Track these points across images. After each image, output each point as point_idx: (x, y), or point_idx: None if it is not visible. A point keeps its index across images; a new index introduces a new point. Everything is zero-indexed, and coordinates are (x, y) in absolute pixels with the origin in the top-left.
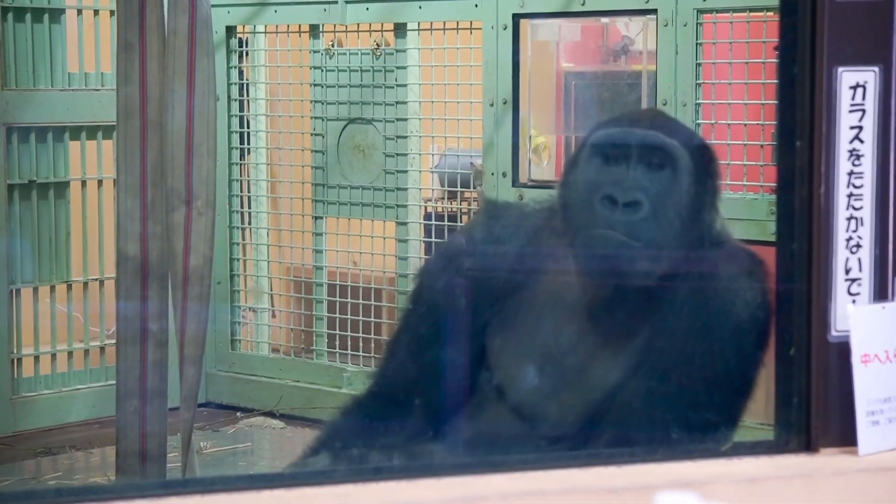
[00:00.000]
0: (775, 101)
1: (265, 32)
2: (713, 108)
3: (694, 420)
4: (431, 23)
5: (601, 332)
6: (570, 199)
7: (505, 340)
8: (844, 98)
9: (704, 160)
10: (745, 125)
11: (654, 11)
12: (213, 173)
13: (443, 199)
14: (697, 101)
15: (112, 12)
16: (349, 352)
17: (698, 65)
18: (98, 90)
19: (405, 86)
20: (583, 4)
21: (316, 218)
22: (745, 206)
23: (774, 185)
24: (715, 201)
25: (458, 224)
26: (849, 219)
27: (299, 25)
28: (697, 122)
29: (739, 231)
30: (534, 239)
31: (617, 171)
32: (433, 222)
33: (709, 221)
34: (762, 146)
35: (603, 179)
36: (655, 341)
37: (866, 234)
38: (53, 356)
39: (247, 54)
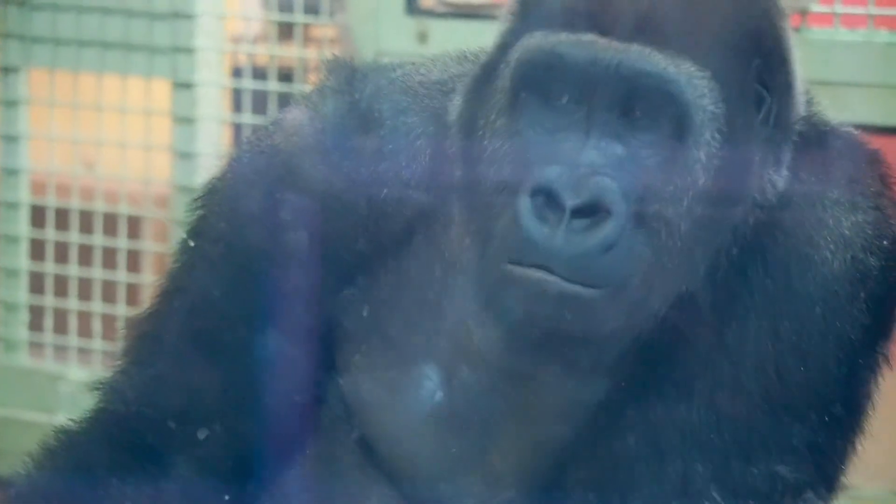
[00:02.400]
0: None
1: None
2: None
3: (750, 475)
4: None
5: None
6: (471, 174)
7: (377, 320)
8: None
9: (765, 61)
10: None
11: None
12: None
13: (266, 38)
14: None
15: None
16: (73, 341)
17: None
18: None
19: None
20: None
21: (6, 71)
22: (869, 53)
23: None
24: (784, 127)
25: (296, 90)
26: None
27: None
28: None
29: (852, 111)
30: (432, 143)
31: (565, 132)
32: (247, 86)
33: (763, 179)
34: None
35: (536, 149)
36: (673, 340)
37: None
38: None
39: None
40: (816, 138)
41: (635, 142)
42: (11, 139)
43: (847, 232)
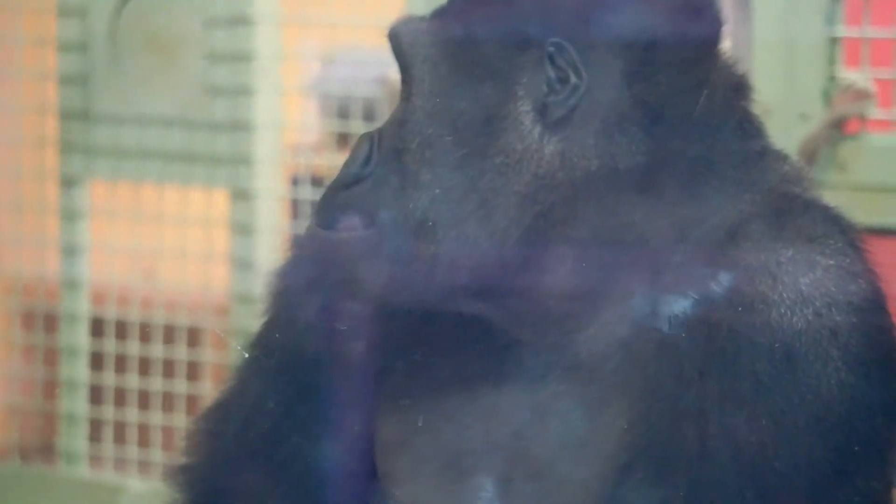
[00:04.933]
0: None
1: None
2: None
3: None
4: None
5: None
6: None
7: (432, 430)
8: None
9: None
10: None
11: None
12: None
13: (324, 147)
14: None
15: None
16: (133, 453)
17: None
18: None
19: None
20: None
21: (67, 183)
22: (887, 156)
23: None
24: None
25: None
26: None
27: None
28: None
29: (877, 216)
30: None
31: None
32: (305, 195)
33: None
34: None
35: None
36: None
37: None
38: None
39: None
40: (781, 205)
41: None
42: (72, 251)
43: (804, 289)
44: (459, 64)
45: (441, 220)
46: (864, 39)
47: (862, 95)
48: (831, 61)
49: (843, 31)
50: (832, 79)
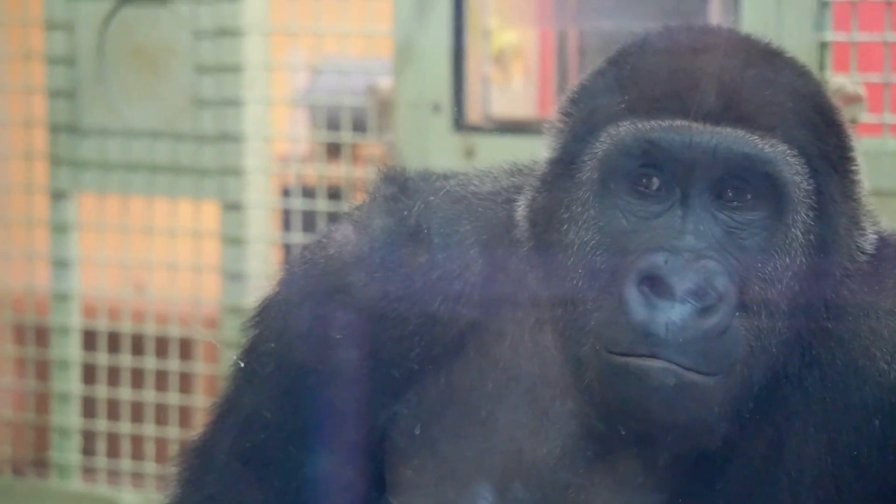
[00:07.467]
0: None
1: None
2: None
3: None
4: None
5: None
6: (558, 259)
7: (428, 436)
8: None
9: (832, 134)
10: None
11: None
12: None
13: (314, 158)
14: None
15: None
16: (126, 465)
17: None
18: None
19: None
20: None
21: (56, 196)
22: (877, 160)
23: None
24: (856, 199)
25: (345, 208)
26: None
27: None
28: None
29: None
30: (486, 253)
31: (661, 218)
32: (296, 206)
33: (851, 249)
34: None
35: (633, 237)
36: (729, 454)
37: None
38: None
39: None
40: (876, 252)
41: (733, 223)
42: (62, 264)
43: None
44: (817, 195)
45: None
46: (853, 44)
47: (852, 99)
48: (821, 66)
49: (832, 35)
50: (822, 83)
